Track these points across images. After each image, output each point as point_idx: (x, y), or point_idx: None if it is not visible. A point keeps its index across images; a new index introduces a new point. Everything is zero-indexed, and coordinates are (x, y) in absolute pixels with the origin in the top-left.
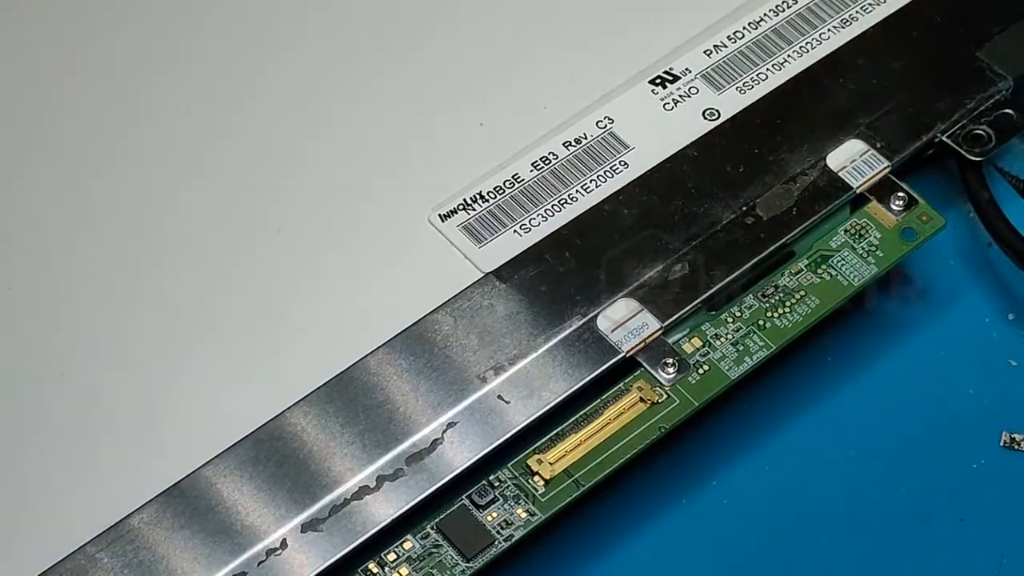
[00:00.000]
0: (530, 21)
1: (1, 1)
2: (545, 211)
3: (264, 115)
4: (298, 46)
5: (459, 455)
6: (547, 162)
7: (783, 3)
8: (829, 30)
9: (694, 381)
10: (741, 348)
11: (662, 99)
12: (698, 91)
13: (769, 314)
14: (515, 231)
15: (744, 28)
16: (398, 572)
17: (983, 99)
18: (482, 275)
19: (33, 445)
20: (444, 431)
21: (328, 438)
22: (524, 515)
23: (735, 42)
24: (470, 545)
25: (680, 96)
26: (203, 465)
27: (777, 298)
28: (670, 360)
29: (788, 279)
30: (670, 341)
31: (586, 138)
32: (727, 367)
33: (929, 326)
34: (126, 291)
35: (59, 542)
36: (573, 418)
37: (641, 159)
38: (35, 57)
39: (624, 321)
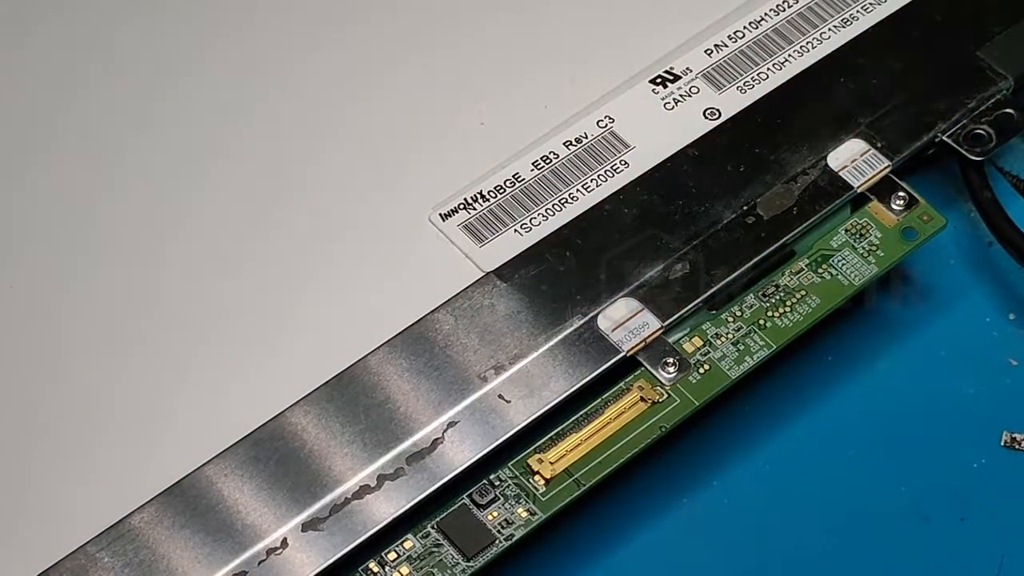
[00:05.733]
0: (530, 21)
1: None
2: (546, 210)
3: (265, 115)
4: (299, 47)
5: (460, 454)
6: (548, 161)
7: (783, 3)
8: (829, 30)
9: (695, 380)
10: (742, 347)
11: (663, 99)
12: (699, 91)
13: (770, 313)
14: (516, 230)
15: (745, 28)
16: (398, 571)
17: (983, 99)
18: (483, 274)
19: (33, 445)
20: (445, 430)
21: (328, 437)
22: (525, 514)
23: (736, 41)
24: (470, 544)
25: (681, 96)
26: (203, 465)
27: (778, 297)
28: (670, 359)
29: (789, 278)
30: (670, 340)
31: (587, 137)
32: (727, 366)
33: (929, 326)
34: (126, 290)
35: (59, 542)
36: (574, 417)
37: (642, 159)
38: (38, 56)
39: (625, 320)
